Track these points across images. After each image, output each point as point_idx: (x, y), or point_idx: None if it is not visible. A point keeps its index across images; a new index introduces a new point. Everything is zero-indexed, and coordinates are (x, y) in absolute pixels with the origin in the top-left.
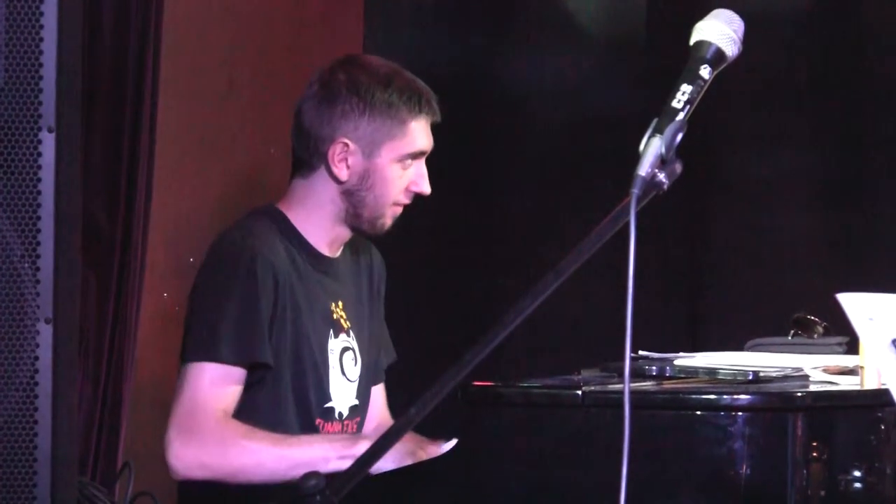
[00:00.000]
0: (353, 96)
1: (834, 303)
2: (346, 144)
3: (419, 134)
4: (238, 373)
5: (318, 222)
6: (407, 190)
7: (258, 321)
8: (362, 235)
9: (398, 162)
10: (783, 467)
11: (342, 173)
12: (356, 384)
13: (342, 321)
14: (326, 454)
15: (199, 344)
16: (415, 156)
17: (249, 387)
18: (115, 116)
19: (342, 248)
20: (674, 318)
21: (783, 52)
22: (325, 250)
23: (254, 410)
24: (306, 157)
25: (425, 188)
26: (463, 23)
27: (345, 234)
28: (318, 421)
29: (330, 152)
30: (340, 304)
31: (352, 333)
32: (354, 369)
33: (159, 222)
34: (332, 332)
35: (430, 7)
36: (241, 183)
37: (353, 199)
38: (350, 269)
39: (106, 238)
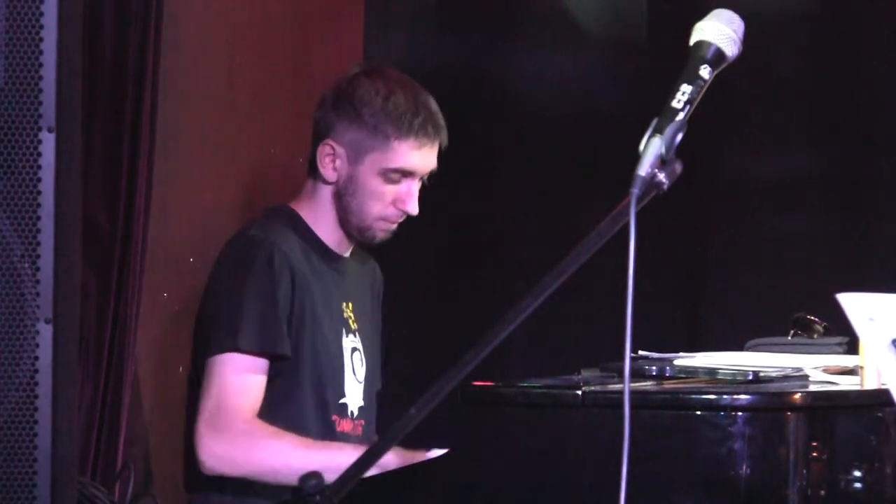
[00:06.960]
0: (347, 104)
1: (834, 303)
2: (333, 147)
3: (406, 153)
4: (261, 363)
5: (326, 221)
6: (394, 206)
7: (276, 315)
8: (354, 243)
9: (380, 175)
10: (783, 467)
11: (328, 173)
12: (363, 385)
13: (351, 321)
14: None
15: (222, 337)
16: (402, 173)
17: (269, 381)
18: (115, 116)
19: (351, 248)
20: (674, 318)
21: (784, 51)
22: (336, 248)
23: (271, 405)
24: (313, 157)
25: (411, 209)
26: (463, 22)
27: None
28: (333, 417)
29: (319, 151)
30: (350, 304)
31: (358, 335)
32: (361, 370)
33: (159, 222)
34: (344, 330)
35: (430, 7)
36: (241, 183)
37: (342, 203)
38: (358, 271)
39: (106, 238)
